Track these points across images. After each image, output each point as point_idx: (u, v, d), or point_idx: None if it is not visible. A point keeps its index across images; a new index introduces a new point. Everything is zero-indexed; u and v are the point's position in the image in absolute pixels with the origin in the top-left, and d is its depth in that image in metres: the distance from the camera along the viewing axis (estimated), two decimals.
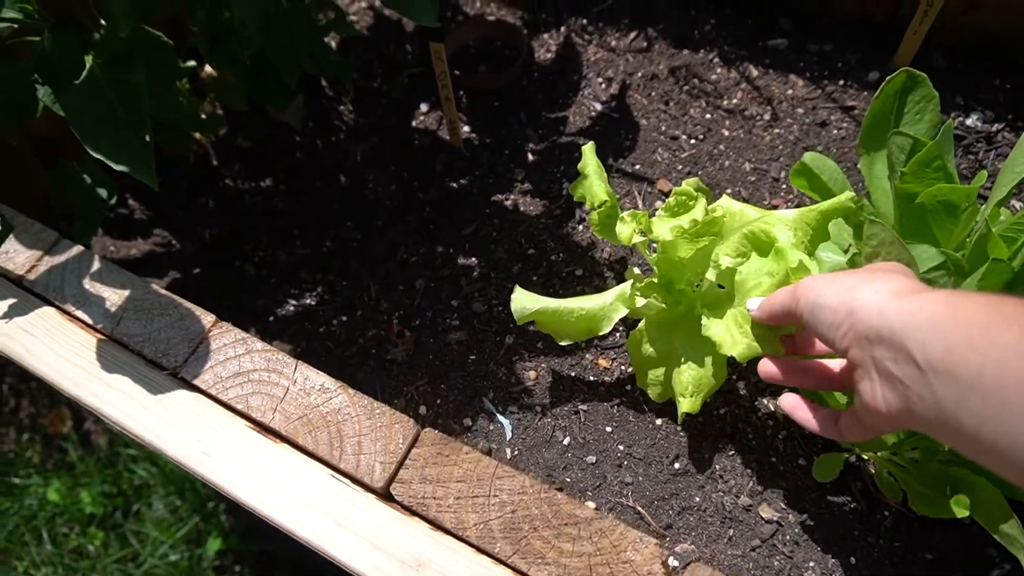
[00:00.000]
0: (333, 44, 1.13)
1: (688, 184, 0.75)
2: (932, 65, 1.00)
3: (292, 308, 0.89)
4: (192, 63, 0.92)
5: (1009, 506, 0.60)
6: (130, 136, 0.64)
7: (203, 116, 0.92)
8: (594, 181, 0.74)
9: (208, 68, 1.02)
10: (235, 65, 0.73)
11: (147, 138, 0.63)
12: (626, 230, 0.69)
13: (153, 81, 0.71)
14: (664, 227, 0.67)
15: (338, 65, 0.85)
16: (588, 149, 0.78)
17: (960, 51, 1.00)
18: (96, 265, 0.71)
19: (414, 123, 1.05)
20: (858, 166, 0.81)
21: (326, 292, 0.90)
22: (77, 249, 0.72)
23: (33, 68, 0.69)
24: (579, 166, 0.77)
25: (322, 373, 0.62)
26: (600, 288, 0.86)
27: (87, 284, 0.69)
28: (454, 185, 0.97)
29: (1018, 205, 0.90)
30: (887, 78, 0.73)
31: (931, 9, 0.91)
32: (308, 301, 0.90)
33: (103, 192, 0.81)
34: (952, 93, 0.98)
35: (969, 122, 0.96)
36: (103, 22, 0.75)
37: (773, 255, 0.64)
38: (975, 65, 0.99)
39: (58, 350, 0.66)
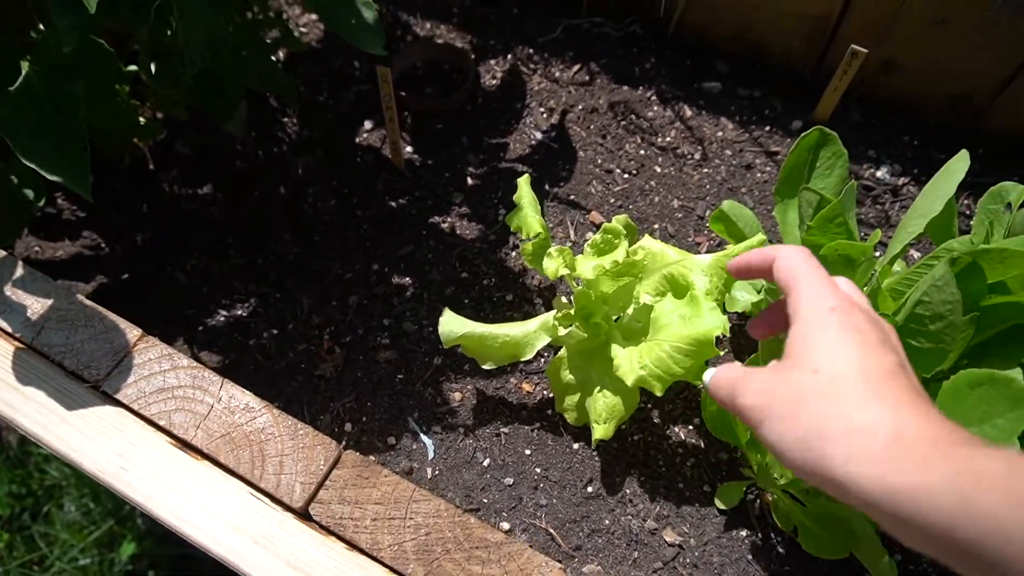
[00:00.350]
0: (281, 54, 1.13)
1: (617, 221, 0.79)
2: (849, 118, 1.08)
3: (223, 319, 0.89)
4: (134, 67, 0.91)
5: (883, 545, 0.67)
6: (66, 147, 0.64)
7: (142, 120, 0.91)
8: (528, 213, 0.77)
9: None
10: (177, 85, 0.73)
11: (85, 150, 0.63)
12: (552, 265, 0.72)
13: (93, 89, 0.71)
14: (587, 265, 0.70)
15: (285, 85, 0.86)
16: (523, 181, 0.81)
17: (876, 107, 1.08)
18: (19, 272, 0.70)
19: (358, 139, 1.06)
20: (773, 213, 0.86)
21: (258, 304, 0.90)
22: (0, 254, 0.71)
23: None
24: (515, 197, 0.80)
25: (248, 392, 0.63)
26: (529, 314, 0.90)
27: (8, 291, 0.69)
28: (393, 205, 0.99)
29: (916, 255, 0.98)
30: (803, 134, 0.79)
31: (849, 69, 0.97)
32: (239, 312, 0.90)
33: (30, 193, 0.80)
34: (866, 146, 1.05)
35: (879, 174, 1.03)
36: (41, 26, 0.75)
37: (688, 300, 0.68)
38: (888, 121, 1.07)
39: None
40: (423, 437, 0.79)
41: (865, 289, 0.73)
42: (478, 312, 0.89)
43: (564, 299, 0.83)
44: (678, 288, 0.73)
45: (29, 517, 1.38)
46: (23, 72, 0.68)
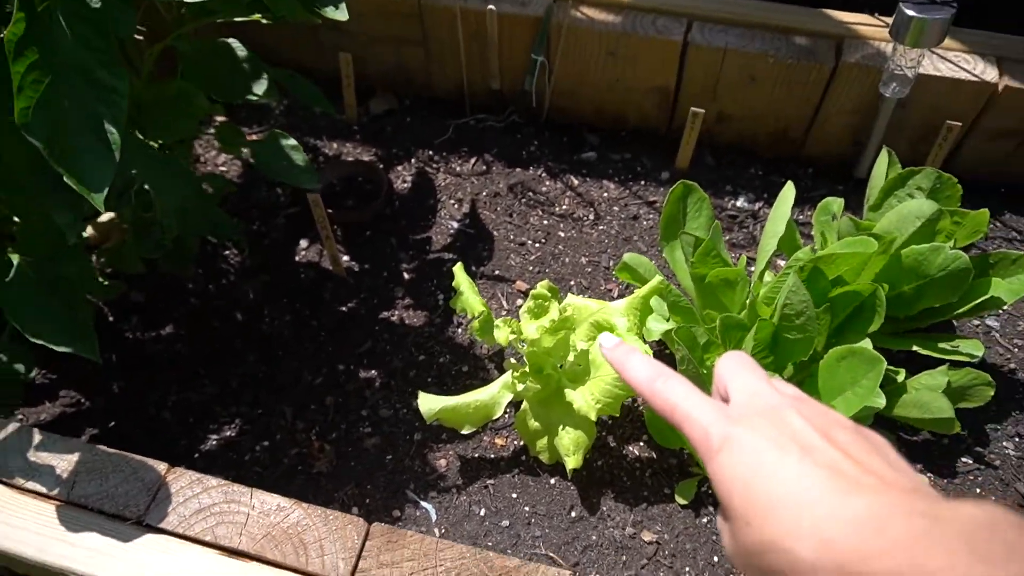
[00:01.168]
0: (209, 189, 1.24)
1: (541, 287, 0.95)
2: (705, 162, 1.30)
3: (214, 443, 0.98)
4: (86, 233, 1.01)
5: None
6: (70, 322, 0.73)
7: (102, 280, 1.00)
8: (469, 296, 0.92)
9: (90, 230, 1.10)
10: (158, 251, 0.84)
11: (88, 323, 0.73)
12: (502, 334, 0.87)
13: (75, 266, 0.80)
14: (531, 328, 0.86)
15: (233, 229, 0.98)
16: (458, 269, 0.96)
17: (722, 150, 1.31)
18: (38, 437, 0.77)
19: (297, 258, 1.18)
20: (663, 254, 1.05)
21: (244, 423, 0.99)
22: (14, 426, 0.78)
23: None
24: (454, 283, 0.95)
25: (276, 495, 0.73)
26: (484, 379, 1.04)
27: (32, 456, 0.76)
28: (344, 309, 1.12)
29: (781, 263, 1.19)
30: (671, 188, 0.98)
31: (694, 125, 1.20)
32: (229, 433, 0.99)
33: (20, 367, 0.87)
34: (724, 182, 1.28)
35: (739, 203, 1.26)
36: (16, 219, 0.84)
37: None
38: (735, 159, 1.30)
39: (13, 523, 0.72)
40: (423, 504, 0.90)
41: (748, 302, 0.93)
42: (441, 386, 1.02)
43: (512, 359, 0.98)
44: (604, 331, 0.90)
45: None
46: (15, 264, 0.77)
